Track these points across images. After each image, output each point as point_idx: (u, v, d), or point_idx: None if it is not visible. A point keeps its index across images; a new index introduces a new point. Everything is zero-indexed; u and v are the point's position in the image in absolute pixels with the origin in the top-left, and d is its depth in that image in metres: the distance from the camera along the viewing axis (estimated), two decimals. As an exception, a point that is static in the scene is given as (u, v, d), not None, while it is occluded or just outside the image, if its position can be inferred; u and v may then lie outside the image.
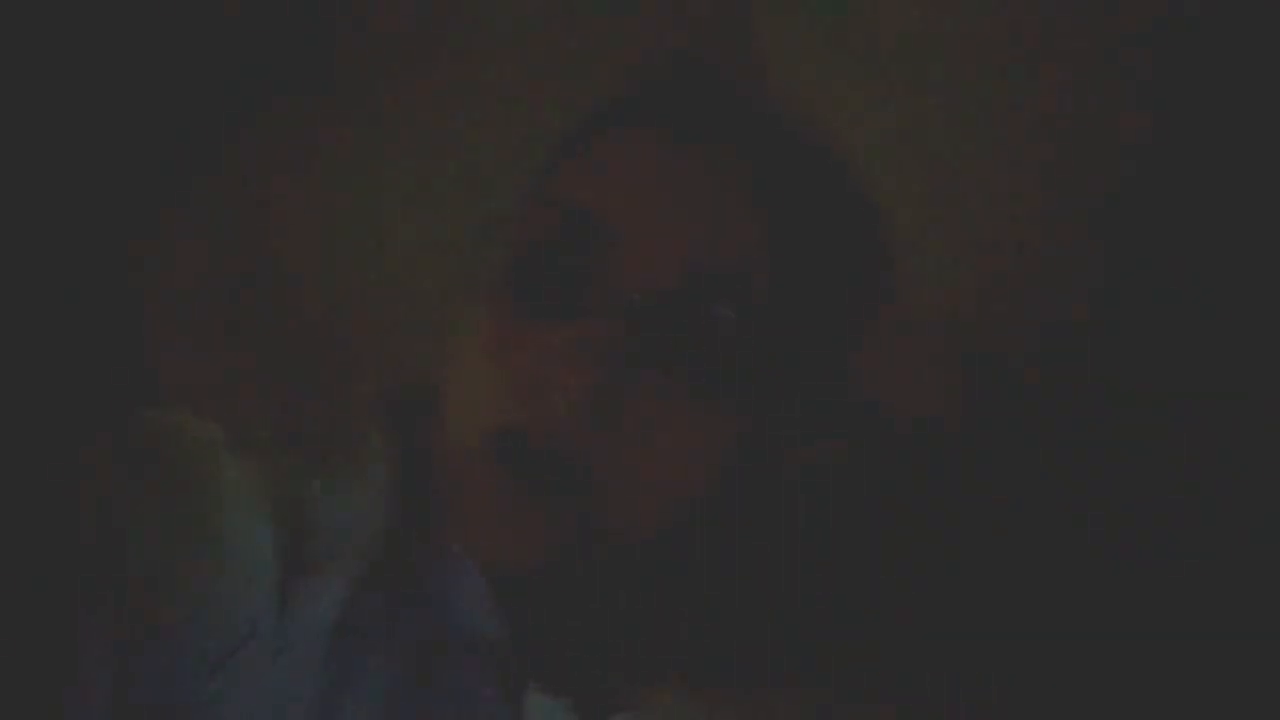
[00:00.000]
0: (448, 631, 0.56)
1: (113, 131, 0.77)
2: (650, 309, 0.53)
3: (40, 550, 0.47)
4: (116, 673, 0.47)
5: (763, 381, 0.56)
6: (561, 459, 0.52)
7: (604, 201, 0.55)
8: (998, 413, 0.65)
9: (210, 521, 0.51)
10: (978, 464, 0.63)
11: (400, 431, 0.58)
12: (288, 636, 0.51)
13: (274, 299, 0.78)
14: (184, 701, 0.50)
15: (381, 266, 0.81)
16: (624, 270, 0.54)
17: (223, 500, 0.51)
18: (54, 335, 0.71)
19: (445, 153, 0.83)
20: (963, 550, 0.63)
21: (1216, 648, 0.62)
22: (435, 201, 0.82)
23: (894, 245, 0.62)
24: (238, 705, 0.51)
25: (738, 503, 0.57)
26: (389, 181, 0.82)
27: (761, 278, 0.56)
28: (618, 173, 0.57)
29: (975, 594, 0.63)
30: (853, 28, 0.80)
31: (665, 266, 0.54)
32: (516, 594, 0.56)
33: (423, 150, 0.83)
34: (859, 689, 0.58)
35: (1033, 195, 0.77)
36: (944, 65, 0.78)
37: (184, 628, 0.49)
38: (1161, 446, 0.68)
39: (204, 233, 0.79)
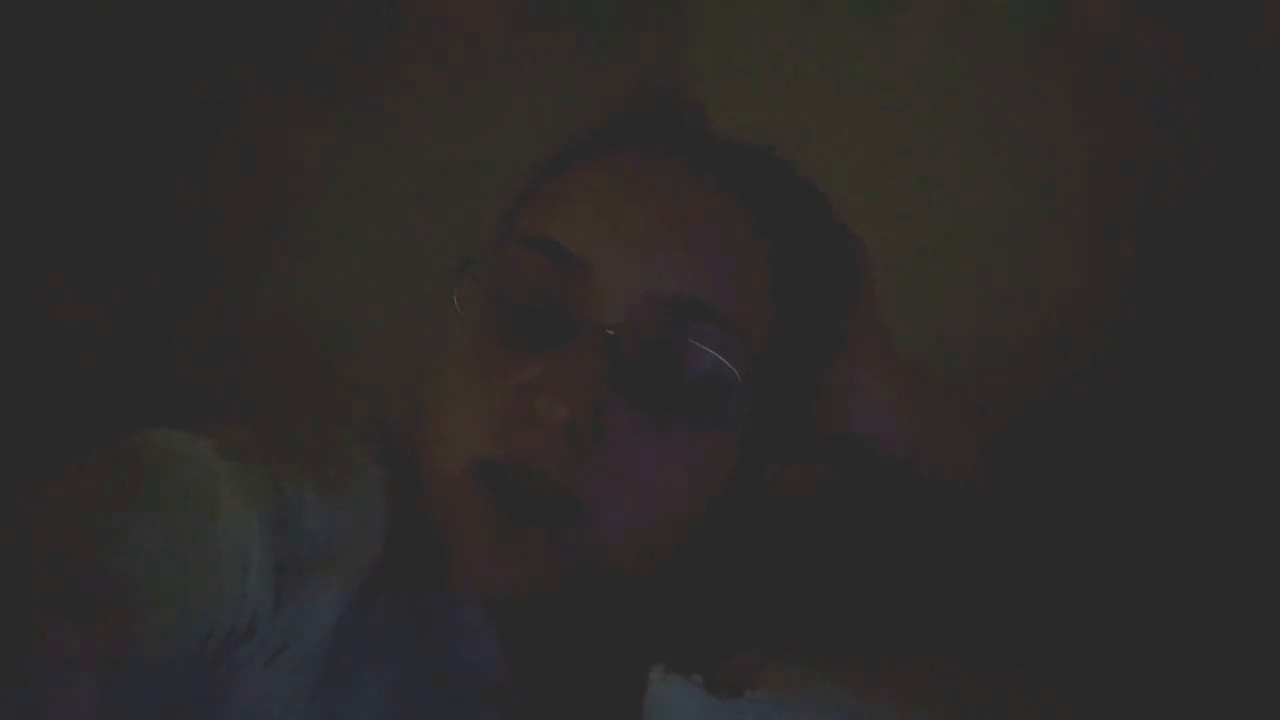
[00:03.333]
0: (447, 660, 0.55)
1: (115, 151, 0.75)
2: (626, 339, 0.53)
3: (23, 559, 0.46)
4: (105, 677, 0.45)
5: (746, 407, 0.55)
6: (544, 490, 0.52)
7: (574, 234, 0.55)
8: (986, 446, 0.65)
9: (204, 524, 0.50)
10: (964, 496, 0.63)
11: (389, 458, 0.57)
12: (286, 636, 0.51)
13: (263, 328, 0.75)
14: (186, 699, 0.49)
15: (363, 296, 0.79)
16: (598, 302, 0.53)
17: (216, 503, 0.50)
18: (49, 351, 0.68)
19: (423, 189, 0.83)
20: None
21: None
22: (414, 234, 0.81)
23: (872, 273, 0.62)
24: (239, 706, 0.50)
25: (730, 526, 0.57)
26: (372, 215, 0.81)
27: (739, 304, 0.55)
28: (587, 204, 0.56)
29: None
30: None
31: (639, 297, 0.53)
32: (520, 623, 0.55)
33: (402, 185, 0.82)
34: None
35: (1021, 227, 0.81)
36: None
37: (181, 626, 0.48)
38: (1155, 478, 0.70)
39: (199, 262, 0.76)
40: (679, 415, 0.53)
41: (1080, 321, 0.80)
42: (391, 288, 0.80)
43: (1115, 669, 0.59)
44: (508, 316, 0.55)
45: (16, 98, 0.74)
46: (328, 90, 0.82)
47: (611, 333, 0.52)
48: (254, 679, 0.50)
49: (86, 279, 0.76)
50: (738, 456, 0.56)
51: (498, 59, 0.82)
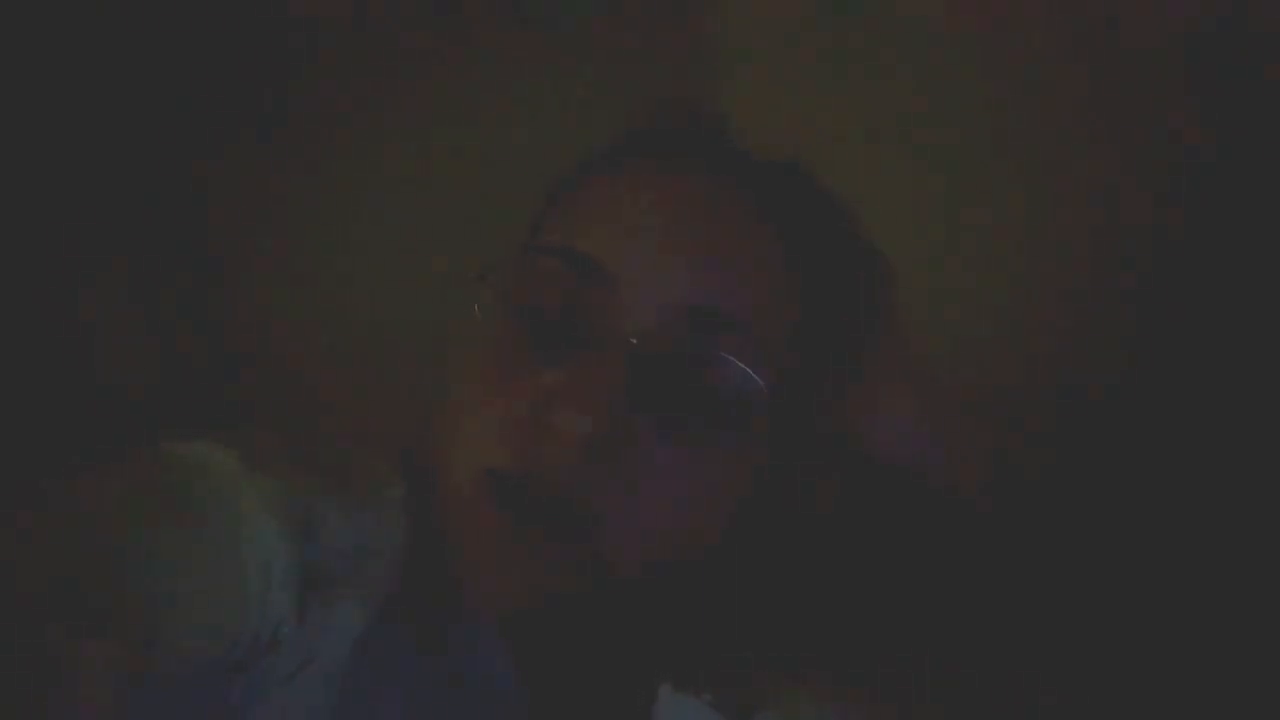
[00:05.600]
0: (465, 678, 0.55)
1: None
2: (648, 350, 0.52)
3: (46, 568, 0.45)
4: (127, 688, 0.44)
5: (767, 422, 0.54)
6: (559, 502, 0.51)
7: (597, 243, 0.54)
8: (1004, 462, 0.65)
9: (227, 535, 0.49)
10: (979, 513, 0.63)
11: (412, 471, 0.56)
12: (309, 649, 0.50)
13: (286, 337, 0.75)
14: (208, 711, 0.49)
15: (379, 309, 0.79)
16: (620, 312, 0.53)
17: (240, 516, 0.49)
18: (65, 361, 0.68)
19: (441, 199, 0.83)
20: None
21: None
22: (431, 243, 0.81)
23: (895, 288, 0.62)
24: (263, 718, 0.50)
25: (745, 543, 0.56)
26: (387, 227, 0.81)
27: (763, 316, 0.55)
28: (610, 214, 0.56)
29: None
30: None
31: (661, 307, 0.53)
32: (533, 637, 0.54)
33: (418, 195, 0.82)
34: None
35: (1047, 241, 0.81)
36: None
37: (204, 638, 0.48)
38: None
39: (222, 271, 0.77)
40: (700, 428, 0.53)
41: (1097, 334, 0.80)
42: (413, 297, 0.80)
43: (1129, 680, 0.60)
44: (527, 326, 0.54)
45: (31, 101, 0.74)
46: (348, 98, 0.82)
47: (633, 343, 0.52)
48: (276, 693, 0.50)
49: (111, 289, 0.76)
50: (759, 470, 0.55)
51: (524, 68, 0.82)
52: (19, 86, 0.75)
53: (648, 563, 0.53)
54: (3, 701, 0.41)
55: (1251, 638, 0.63)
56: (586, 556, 0.51)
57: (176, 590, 0.47)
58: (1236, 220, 0.77)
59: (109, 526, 0.47)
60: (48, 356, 0.73)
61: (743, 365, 0.53)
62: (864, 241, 0.61)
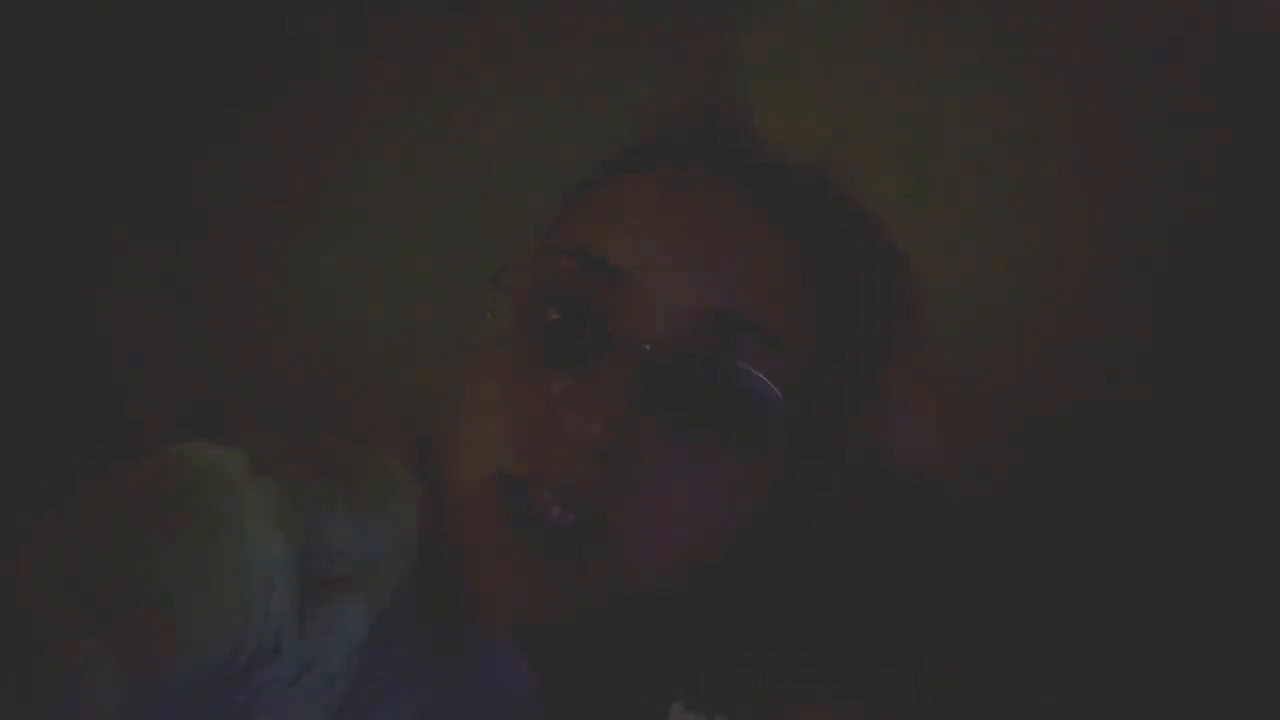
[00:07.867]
0: (476, 685, 0.55)
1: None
2: (663, 355, 0.51)
3: (52, 570, 0.45)
4: (130, 691, 0.44)
5: (785, 427, 0.54)
6: (569, 509, 0.50)
7: (612, 244, 0.54)
8: (1025, 471, 0.65)
9: (231, 542, 0.48)
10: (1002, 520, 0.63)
11: (422, 473, 0.55)
12: (311, 654, 0.49)
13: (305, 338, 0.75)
14: (211, 717, 0.48)
15: (391, 310, 0.79)
16: (633, 316, 0.52)
17: (244, 521, 0.48)
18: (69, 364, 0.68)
19: (456, 199, 0.82)
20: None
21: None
22: (445, 242, 0.81)
23: (917, 295, 0.61)
24: None
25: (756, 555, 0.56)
26: (401, 226, 0.80)
27: (780, 320, 0.54)
28: (626, 216, 0.55)
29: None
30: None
31: (676, 310, 0.52)
32: (545, 647, 0.54)
33: (433, 194, 0.82)
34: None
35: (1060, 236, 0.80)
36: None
37: (206, 644, 0.47)
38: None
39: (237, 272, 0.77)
40: (715, 435, 0.52)
41: (1115, 338, 0.79)
42: (427, 296, 0.79)
43: (1129, 680, 0.60)
44: (541, 329, 0.54)
45: (33, 102, 0.73)
46: (356, 97, 0.81)
47: (648, 348, 0.51)
48: (280, 698, 0.49)
49: (114, 291, 0.76)
50: (776, 479, 0.55)
51: (542, 70, 0.81)
52: (19, 88, 0.74)
53: (658, 573, 0.53)
54: (8, 701, 0.41)
55: (1251, 638, 0.63)
56: (595, 565, 0.51)
57: (179, 594, 0.46)
58: (1250, 220, 0.76)
59: (114, 528, 0.47)
60: (52, 360, 0.73)
61: (758, 370, 0.52)
62: (887, 250, 0.60)
